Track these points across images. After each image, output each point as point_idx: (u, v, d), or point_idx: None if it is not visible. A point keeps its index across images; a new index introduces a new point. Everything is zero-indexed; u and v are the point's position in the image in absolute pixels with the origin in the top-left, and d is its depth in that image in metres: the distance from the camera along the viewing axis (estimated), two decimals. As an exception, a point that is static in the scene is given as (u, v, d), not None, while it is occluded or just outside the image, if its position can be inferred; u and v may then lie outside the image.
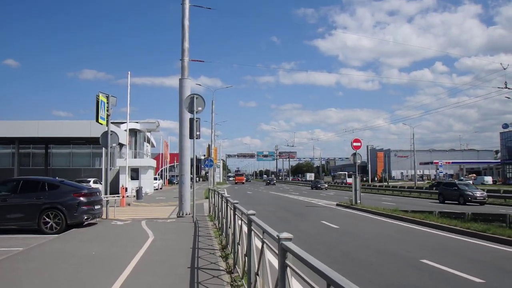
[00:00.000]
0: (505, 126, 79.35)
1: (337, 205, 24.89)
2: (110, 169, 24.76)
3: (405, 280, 7.03)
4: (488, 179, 71.99)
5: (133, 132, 41.85)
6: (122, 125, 35.84)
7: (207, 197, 24.44)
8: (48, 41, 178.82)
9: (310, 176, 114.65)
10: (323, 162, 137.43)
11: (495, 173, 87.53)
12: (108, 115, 19.55)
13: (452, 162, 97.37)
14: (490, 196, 29.47)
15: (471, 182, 47.95)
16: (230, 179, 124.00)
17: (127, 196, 24.57)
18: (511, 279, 7.41)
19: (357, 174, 24.06)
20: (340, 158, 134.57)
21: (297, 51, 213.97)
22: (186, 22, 17.00)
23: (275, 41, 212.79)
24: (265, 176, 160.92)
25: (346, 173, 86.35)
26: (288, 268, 3.21)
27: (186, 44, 16.99)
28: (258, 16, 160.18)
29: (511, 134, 76.89)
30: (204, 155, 63.82)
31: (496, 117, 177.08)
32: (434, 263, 8.18)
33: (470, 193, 27.59)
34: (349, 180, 74.16)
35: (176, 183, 35.88)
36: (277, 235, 3.47)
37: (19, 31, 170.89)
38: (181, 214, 16.50)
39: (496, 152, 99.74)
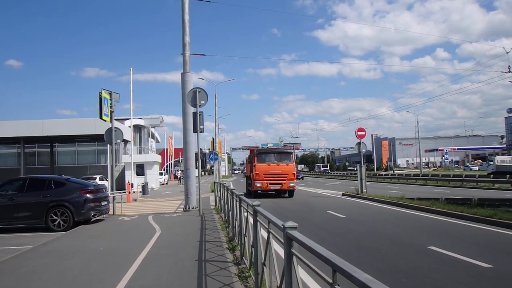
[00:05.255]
0: (510, 110, 78.84)
1: (343, 194, 24.90)
2: (116, 165, 24.87)
3: (412, 267, 7.03)
4: (494, 165, 71.49)
5: (137, 128, 41.91)
6: (126, 122, 35.88)
7: (213, 191, 24.50)
8: (50, 41, 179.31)
9: (301, 167, 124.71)
10: (328, 153, 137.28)
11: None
12: (111, 112, 19.61)
13: (458, 149, 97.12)
14: (496, 181, 29.19)
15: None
16: (236, 172, 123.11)
17: (133, 192, 24.74)
18: (519, 263, 7.39)
19: (362, 163, 24.02)
20: (345, 148, 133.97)
21: (298, 42, 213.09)
22: (186, 17, 17.02)
23: (275, 33, 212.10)
24: None
25: (321, 164, 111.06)
26: (294, 257, 3.22)
27: (187, 38, 17.00)
28: (258, 8, 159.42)
29: (516, 118, 76.30)
30: (209, 149, 63.84)
31: (500, 102, 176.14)
32: (442, 249, 8.17)
33: None
34: (323, 169, 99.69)
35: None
36: (282, 224, 3.48)
37: (21, 32, 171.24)
38: (187, 208, 16.57)
39: (502, 137, 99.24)
